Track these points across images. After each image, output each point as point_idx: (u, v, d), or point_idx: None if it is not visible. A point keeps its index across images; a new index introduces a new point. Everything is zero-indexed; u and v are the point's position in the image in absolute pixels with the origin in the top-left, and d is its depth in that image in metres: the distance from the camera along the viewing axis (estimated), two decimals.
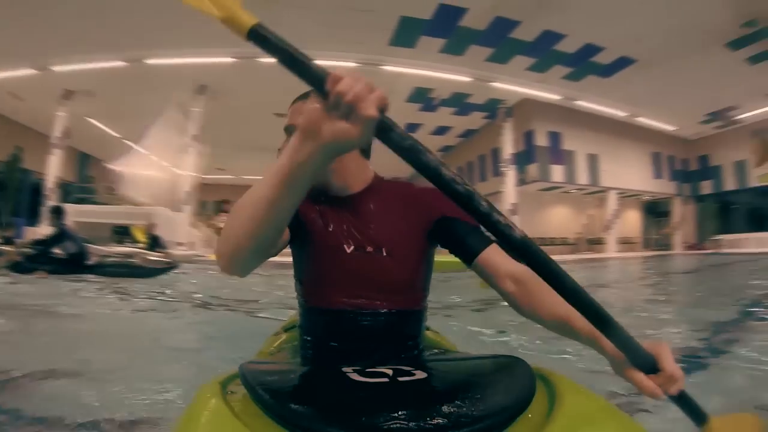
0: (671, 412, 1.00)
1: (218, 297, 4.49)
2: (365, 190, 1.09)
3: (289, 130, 1.07)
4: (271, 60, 0.54)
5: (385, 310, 1.00)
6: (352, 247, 1.01)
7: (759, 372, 2.01)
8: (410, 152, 0.57)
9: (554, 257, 0.59)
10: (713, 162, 17.93)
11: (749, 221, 17.37)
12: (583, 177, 15.57)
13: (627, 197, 17.96)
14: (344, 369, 0.78)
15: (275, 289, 4.94)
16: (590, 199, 18.15)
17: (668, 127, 16.61)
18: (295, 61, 0.54)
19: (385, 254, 1.00)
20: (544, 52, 10.65)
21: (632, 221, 19.62)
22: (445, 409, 0.60)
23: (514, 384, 0.69)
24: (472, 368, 0.86)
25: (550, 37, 10.00)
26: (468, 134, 17.65)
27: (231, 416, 0.61)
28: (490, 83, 12.25)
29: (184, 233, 12.02)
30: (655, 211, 20.63)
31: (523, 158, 14.41)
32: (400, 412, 0.60)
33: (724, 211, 18.47)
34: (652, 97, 13.46)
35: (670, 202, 18.87)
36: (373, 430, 0.56)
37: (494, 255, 0.96)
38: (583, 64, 11.22)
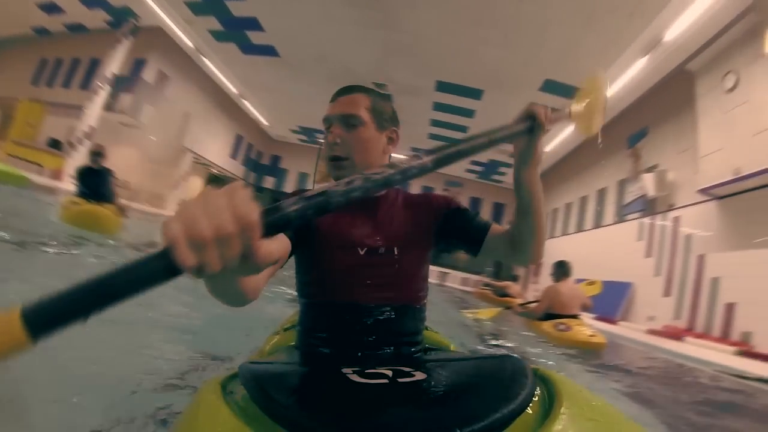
0: None
1: None
2: (389, 193, 1.18)
3: (328, 120, 1.16)
4: None
5: (391, 304, 1.06)
6: (365, 249, 1.06)
7: None
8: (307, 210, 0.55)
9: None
10: (283, 165, 21.13)
11: None
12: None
13: (199, 164, 18.27)
14: (344, 370, 0.80)
15: None
16: (164, 153, 17.55)
17: (263, 121, 18.38)
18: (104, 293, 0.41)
19: (396, 253, 1.08)
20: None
21: (195, 187, 20.13)
22: (444, 409, 0.62)
23: (513, 384, 0.70)
24: (472, 369, 0.88)
25: None
26: (76, 29, 13.95)
27: (231, 416, 0.61)
28: None
29: None
30: (218, 185, 22.00)
31: (123, 84, 12.45)
32: (399, 413, 0.62)
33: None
34: (269, 91, 14.59)
35: (233, 182, 20.46)
36: (372, 431, 0.57)
37: (496, 226, 1.15)
38: (237, 32, 11.14)
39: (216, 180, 21.85)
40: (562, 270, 5.23)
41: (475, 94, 11.34)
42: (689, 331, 6.92)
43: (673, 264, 8.03)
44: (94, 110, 11.77)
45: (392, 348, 1.04)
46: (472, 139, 0.80)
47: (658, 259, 8.49)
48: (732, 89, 6.53)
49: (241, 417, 0.61)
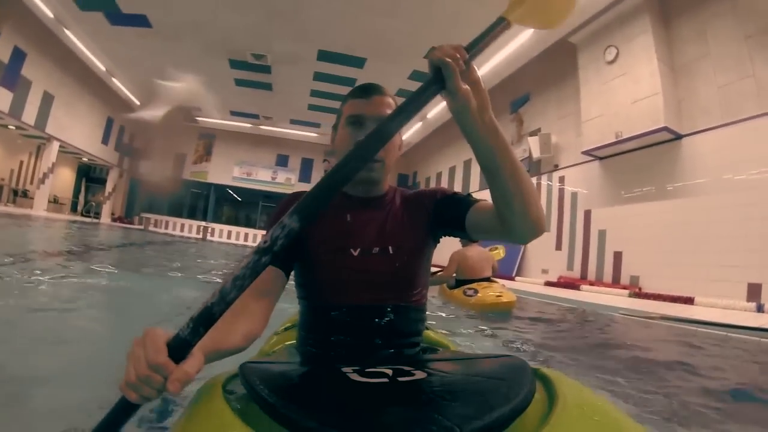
0: None
1: None
2: (387, 192, 1.19)
3: (362, 118, 1.08)
4: None
5: (389, 305, 1.05)
6: (358, 250, 1.06)
7: None
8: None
9: None
10: None
11: (171, 206, 19.84)
12: (31, 115, 12.54)
13: (67, 153, 16.08)
14: (344, 369, 0.79)
15: None
16: (25, 144, 15.34)
17: (134, 100, 16.48)
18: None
19: (391, 252, 1.07)
20: None
21: (65, 180, 17.96)
22: (444, 409, 0.61)
23: (513, 384, 0.69)
24: (472, 368, 0.89)
25: None
26: None
27: (231, 416, 0.61)
28: None
29: None
30: (89, 175, 19.80)
31: None
32: (399, 413, 0.61)
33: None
34: (140, 66, 13.13)
35: (107, 170, 18.48)
36: (372, 431, 0.57)
37: (483, 202, 1.07)
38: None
39: (87, 171, 19.52)
40: None
41: (357, 62, 11.25)
42: (584, 279, 7.78)
43: (562, 220, 8.89)
44: None
45: (392, 350, 1.03)
46: (375, 136, 0.69)
47: (547, 216, 9.31)
48: (612, 62, 7.27)
49: (241, 417, 0.61)
